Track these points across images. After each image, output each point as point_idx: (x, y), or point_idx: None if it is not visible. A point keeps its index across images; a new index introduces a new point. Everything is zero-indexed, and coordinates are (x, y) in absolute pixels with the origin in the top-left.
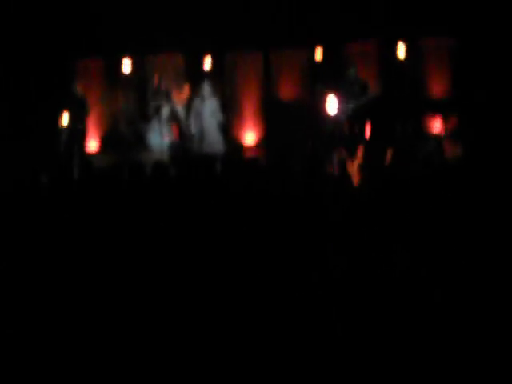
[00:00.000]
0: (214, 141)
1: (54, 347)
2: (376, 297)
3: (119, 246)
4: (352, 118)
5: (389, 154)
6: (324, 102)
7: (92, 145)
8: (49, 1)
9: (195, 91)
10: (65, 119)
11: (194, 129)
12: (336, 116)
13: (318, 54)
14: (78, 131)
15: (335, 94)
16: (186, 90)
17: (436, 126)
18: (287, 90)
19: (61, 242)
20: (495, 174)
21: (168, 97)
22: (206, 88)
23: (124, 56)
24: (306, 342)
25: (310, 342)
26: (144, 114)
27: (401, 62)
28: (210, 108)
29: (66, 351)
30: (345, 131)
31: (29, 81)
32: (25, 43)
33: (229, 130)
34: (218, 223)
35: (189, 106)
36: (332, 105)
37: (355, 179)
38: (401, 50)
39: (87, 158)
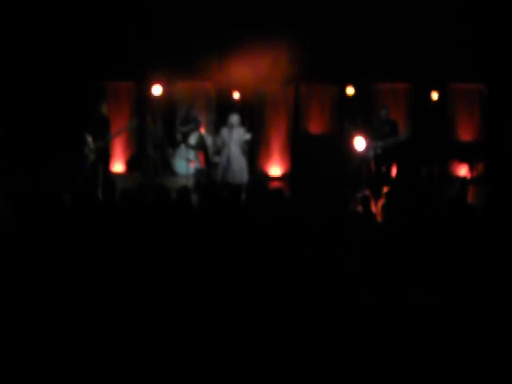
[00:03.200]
0: (240, 170)
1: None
2: (396, 335)
3: (139, 269)
4: (380, 157)
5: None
6: (352, 138)
7: (118, 166)
8: (84, 21)
9: (224, 120)
10: (90, 139)
11: (220, 157)
12: (362, 154)
13: (349, 91)
14: (102, 151)
15: (363, 132)
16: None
17: (462, 169)
18: (316, 125)
19: (82, 262)
20: None
21: (197, 124)
22: (235, 117)
23: (155, 80)
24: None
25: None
26: (171, 139)
27: (430, 104)
28: (237, 137)
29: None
30: (371, 169)
31: (57, 99)
32: (56, 61)
33: (255, 161)
34: (239, 253)
35: (216, 134)
36: (359, 142)
37: (379, 218)
38: (431, 94)
39: (112, 178)
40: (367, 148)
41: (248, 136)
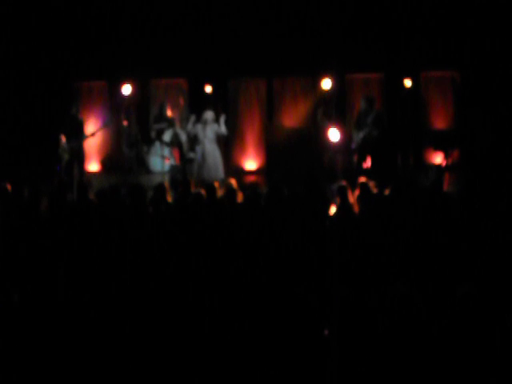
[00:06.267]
0: (215, 166)
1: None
2: (371, 322)
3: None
4: (359, 148)
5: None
6: (326, 130)
7: (93, 165)
8: (56, 23)
9: (197, 116)
10: (64, 139)
11: (194, 153)
12: (337, 145)
13: (325, 85)
14: (76, 152)
15: (338, 123)
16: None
17: (437, 157)
18: (290, 118)
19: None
20: (495, 206)
21: (170, 121)
22: (209, 113)
23: (127, 79)
24: None
25: None
26: (146, 137)
27: (404, 93)
28: (211, 134)
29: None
30: (347, 160)
31: (31, 101)
32: (30, 62)
33: (230, 156)
34: (216, 249)
35: (191, 130)
36: (334, 134)
37: (355, 208)
38: (404, 82)
39: (86, 178)
40: (342, 139)
41: (223, 129)
